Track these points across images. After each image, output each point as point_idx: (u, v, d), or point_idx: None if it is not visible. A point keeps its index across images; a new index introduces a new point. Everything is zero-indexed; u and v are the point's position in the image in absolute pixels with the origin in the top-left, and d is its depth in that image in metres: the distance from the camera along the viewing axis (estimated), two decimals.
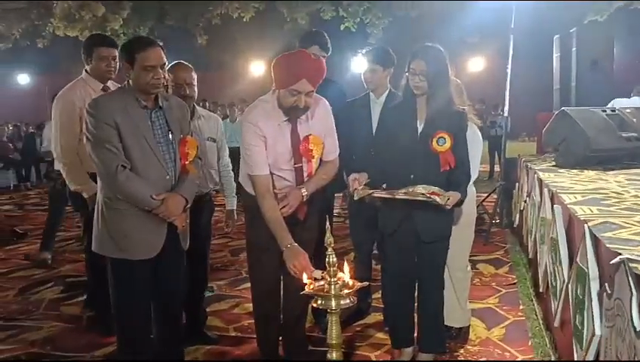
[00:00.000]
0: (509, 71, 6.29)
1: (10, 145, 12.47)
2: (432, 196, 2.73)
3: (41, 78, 21.72)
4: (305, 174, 2.88)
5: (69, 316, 4.14)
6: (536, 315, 3.85)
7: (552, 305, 3.30)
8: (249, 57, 14.23)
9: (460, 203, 2.86)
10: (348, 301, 2.18)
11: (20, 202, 9.76)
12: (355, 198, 2.92)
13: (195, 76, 3.33)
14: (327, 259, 2.20)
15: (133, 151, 2.61)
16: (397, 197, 2.80)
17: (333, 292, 2.16)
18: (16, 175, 12.07)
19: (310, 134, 2.84)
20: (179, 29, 14.43)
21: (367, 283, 2.48)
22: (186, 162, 2.77)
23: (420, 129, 2.95)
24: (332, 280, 2.18)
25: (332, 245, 2.24)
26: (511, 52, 6.31)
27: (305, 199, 2.84)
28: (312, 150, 2.84)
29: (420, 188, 2.77)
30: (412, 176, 2.87)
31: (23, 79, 21.76)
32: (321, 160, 2.94)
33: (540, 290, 3.91)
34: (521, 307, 4.03)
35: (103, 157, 2.58)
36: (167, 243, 2.75)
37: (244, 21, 13.38)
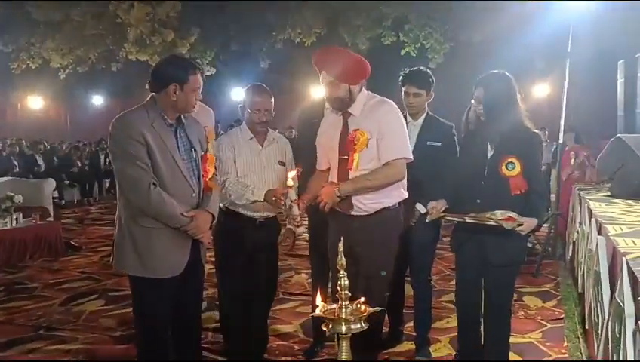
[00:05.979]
0: (564, 96, 6.04)
1: (79, 162, 13.07)
2: (499, 221, 2.73)
3: (114, 100, 22.88)
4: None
5: (106, 328, 4.24)
6: (581, 353, 3.60)
7: (595, 344, 3.09)
8: (308, 82, 14.38)
9: (537, 228, 2.80)
10: (359, 325, 2.11)
11: (81, 216, 10.17)
12: (428, 221, 3.01)
13: (272, 101, 3.34)
14: (338, 282, 2.13)
15: (162, 169, 2.61)
16: (467, 221, 2.84)
17: (343, 316, 2.10)
18: (80, 190, 12.58)
19: (358, 129, 2.90)
20: (242, 53, 14.83)
21: (380, 308, 2.37)
22: (207, 178, 2.79)
23: (489, 154, 2.93)
24: (343, 303, 2.11)
25: (344, 267, 2.18)
26: (567, 77, 6.07)
27: (338, 195, 2.85)
28: (355, 143, 2.89)
29: (498, 214, 2.76)
30: (478, 201, 2.85)
31: (98, 100, 22.92)
32: None
33: (586, 327, 3.66)
34: (565, 344, 3.78)
35: (133, 174, 2.57)
36: (190, 259, 2.74)
37: (305, 46, 13.58)
